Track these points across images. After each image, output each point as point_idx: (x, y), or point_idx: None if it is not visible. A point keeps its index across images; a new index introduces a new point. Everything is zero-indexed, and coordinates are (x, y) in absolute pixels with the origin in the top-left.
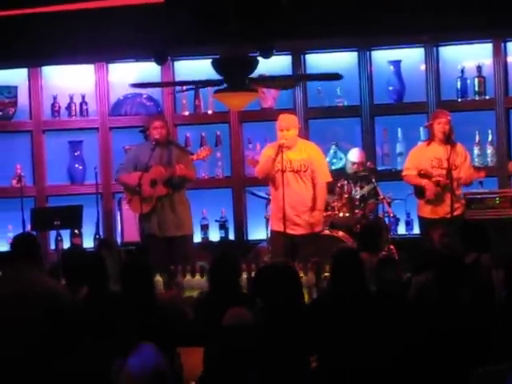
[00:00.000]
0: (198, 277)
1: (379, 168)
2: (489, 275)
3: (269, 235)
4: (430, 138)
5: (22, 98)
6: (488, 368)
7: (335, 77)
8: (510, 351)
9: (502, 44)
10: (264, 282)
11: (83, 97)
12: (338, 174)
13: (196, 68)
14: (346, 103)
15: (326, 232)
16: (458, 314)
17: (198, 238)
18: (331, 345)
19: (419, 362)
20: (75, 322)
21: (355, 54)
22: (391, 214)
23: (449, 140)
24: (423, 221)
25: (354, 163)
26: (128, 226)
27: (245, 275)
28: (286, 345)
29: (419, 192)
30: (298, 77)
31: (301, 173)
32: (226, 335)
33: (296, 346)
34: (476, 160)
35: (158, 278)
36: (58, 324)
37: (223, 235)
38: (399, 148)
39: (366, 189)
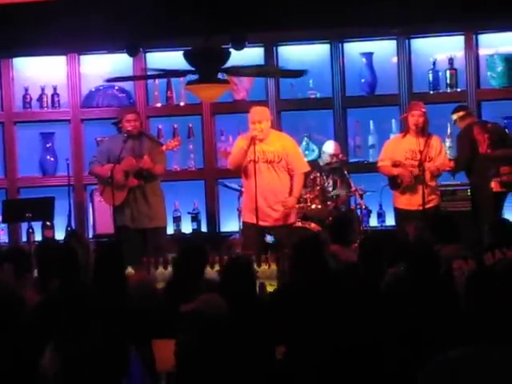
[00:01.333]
0: (170, 269)
1: (351, 160)
2: (448, 266)
3: (241, 227)
4: (405, 131)
5: None
6: (437, 358)
7: (299, 73)
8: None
9: (474, 36)
10: (224, 277)
11: (55, 88)
12: (311, 166)
13: (168, 60)
14: (318, 95)
15: (299, 224)
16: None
17: (170, 230)
18: (296, 334)
19: (385, 351)
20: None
21: (327, 46)
22: (363, 206)
23: (423, 132)
24: (398, 212)
25: (331, 155)
26: (100, 218)
27: (217, 267)
28: (247, 337)
29: (394, 183)
30: (264, 71)
31: (274, 163)
32: (201, 323)
33: (257, 338)
34: (448, 152)
35: (131, 271)
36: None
37: (196, 227)
38: (371, 140)
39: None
